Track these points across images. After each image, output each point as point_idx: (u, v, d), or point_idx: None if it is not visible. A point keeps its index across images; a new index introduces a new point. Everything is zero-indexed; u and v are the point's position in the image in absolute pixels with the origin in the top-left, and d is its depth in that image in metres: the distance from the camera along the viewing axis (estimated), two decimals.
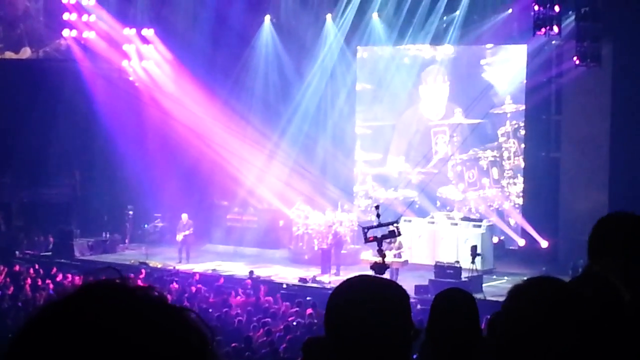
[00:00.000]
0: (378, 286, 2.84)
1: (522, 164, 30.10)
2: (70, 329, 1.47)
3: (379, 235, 17.65)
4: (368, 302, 2.74)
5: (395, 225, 18.48)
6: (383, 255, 17.62)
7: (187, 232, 28.68)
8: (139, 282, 1.62)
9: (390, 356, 2.71)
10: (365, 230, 17.92)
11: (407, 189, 31.74)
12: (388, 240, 21.50)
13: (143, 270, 25.32)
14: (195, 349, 1.53)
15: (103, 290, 1.55)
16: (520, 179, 30.12)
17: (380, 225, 18.03)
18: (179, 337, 1.52)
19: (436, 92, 31.51)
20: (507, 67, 30.03)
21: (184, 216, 29.11)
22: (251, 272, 25.80)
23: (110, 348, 1.45)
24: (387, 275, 23.67)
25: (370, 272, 22.40)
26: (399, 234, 19.01)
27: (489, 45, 30.50)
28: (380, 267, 17.67)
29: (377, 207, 18.12)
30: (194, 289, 23.20)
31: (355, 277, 2.97)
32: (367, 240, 17.97)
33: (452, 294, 4.99)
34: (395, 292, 2.81)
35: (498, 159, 30.47)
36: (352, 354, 2.69)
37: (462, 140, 30.89)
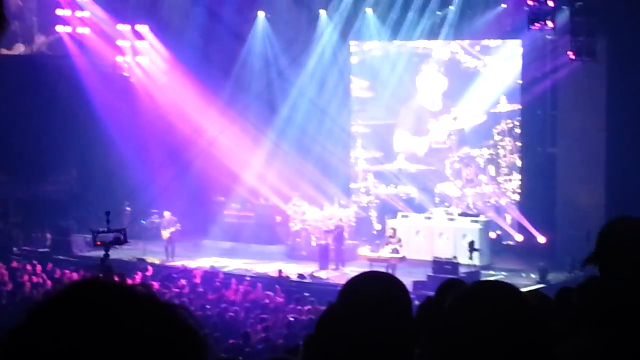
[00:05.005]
0: (383, 282, 2.87)
1: (518, 162, 30.22)
2: (65, 324, 1.48)
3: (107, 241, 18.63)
4: (371, 298, 2.76)
5: (122, 232, 19.31)
6: (105, 259, 18.52)
7: (172, 229, 28.68)
8: (139, 280, 1.64)
9: (393, 353, 2.74)
10: (95, 234, 18.77)
11: (407, 185, 31.80)
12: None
13: (150, 268, 25.31)
14: (188, 342, 1.54)
15: (96, 284, 1.56)
16: (516, 176, 30.26)
17: (109, 230, 18.82)
18: (171, 331, 1.53)
19: (433, 84, 31.52)
20: (502, 66, 30.07)
21: (167, 214, 29.12)
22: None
23: (104, 338, 1.47)
24: (383, 270, 23.81)
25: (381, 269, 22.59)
26: (125, 241, 19.63)
27: (483, 42, 30.52)
28: (108, 272, 18.39)
29: (107, 213, 18.85)
30: (197, 282, 23.40)
31: (359, 274, 3.00)
32: (95, 245, 18.91)
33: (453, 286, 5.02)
34: (399, 289, 2.84)
35: (494, 157, 30.62)
36: (355, 350, 2.71)
37: (459, 139, 31.05)
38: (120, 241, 19.14)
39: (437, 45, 31.41)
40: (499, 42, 30.33)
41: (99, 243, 18.90)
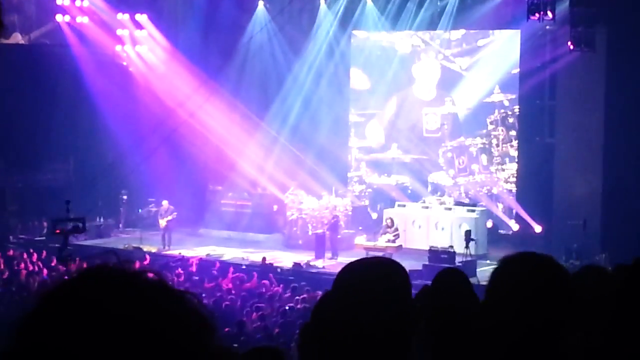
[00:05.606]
0: (381, 267, 2.83)
1: (511, 151, 30.28)
2: (79, 310, 1.47)
3: (66, 229, 19.19)
4: (367, 284, 2.72)
5: (80, 222, 19.72)
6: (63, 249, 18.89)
7: (169, 218, 28.61)
8: (138, 266, 1.62)
9: (391, 339, 2.69)
10: (55, 223, 19.36)
11: (400, 174, 31.87)
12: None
13: (147, 256, 25.27)
14: (196, 330, 1.54)
15: (107, 272, 1.55)
16: (509, 165, 30.34)
17: (69, 219, 19.29)
18: (181, 317, 1.52)
19: (428, 71, 31.55)
20: (497, 56, 30.10)
21: (165, 202, 29.03)
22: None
23: (115, 328, 1.46)
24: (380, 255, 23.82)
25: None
26: (84, 230, 20.53)
27: (478, 35, 30.59)
28: (65, 259, 18.69)
29: (67, 202, 19.24)
30: (193, 271, 23.41)
31: (359, 260, 2.97)
32: (54, 232, 19.64)
33: (450, 275, 5.05)
34: (397, 273, 2.80)
35: (487, 146, 30.72)
36: (352, 337, 2.67)
37: (452, 128, 31.10)
38: (78, 230, 19.49)
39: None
40: (495, 36, 30.37)
41: (57, 231, 19.31)
